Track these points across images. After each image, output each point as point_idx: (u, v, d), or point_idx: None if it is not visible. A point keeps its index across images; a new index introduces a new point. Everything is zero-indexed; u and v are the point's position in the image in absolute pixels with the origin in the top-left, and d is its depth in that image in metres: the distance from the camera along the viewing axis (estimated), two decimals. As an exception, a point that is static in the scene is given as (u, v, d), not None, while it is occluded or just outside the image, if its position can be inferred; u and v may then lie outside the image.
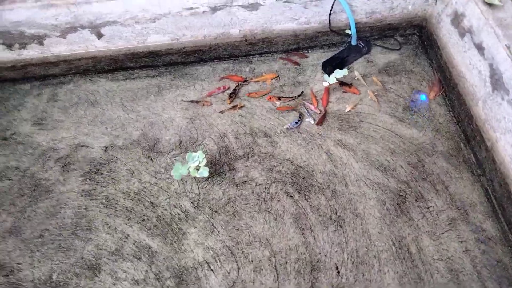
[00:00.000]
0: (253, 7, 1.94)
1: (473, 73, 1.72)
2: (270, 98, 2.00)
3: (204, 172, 1.66)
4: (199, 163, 1.66)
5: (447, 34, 1.91)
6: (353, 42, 2.08)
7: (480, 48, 1.67)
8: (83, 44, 2.04)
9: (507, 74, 1.51)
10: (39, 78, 2.19)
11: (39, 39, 1.96)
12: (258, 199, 1.74)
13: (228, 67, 2.20)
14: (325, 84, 1.98)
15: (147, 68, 2.22)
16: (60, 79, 2.19)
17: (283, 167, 1.82)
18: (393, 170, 1.76)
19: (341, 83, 2.03)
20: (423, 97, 1.95)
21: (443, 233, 1.56)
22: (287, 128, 1.92)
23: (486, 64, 1.63)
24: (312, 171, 1.80)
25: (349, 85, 2.00)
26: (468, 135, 1.77)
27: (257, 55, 2.22)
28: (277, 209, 1.71)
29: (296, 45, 2.19)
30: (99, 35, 2.00)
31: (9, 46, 1.97)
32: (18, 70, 2.10)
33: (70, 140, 1.98)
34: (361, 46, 2.08)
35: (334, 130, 1.91)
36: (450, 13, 1.89)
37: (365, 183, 1.74)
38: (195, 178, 1.80)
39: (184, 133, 1.97)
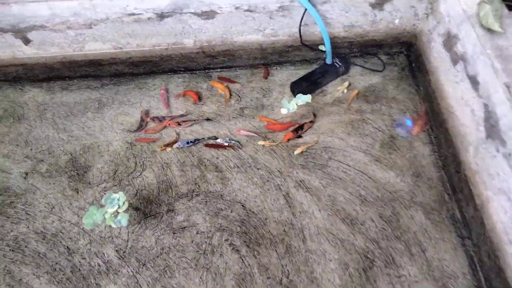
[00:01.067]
0: (208, 15, 1.62)
1: (465, 111, 1.41)
2: (169, 124, 1.70)
3: (123, 220, 1.35)
4: (118, 207, 1.35)
5: (438, 57, 1.59)
6: (328, 61, 1.76)
7: (474, 81, 1.36)
8: (8, 50, 1.72)
9: (505, 120, 1.19)
10: (-43, 85, 1.88)
11: (-49, 41, 1.64)
12: (197, 252, 1.44)
13: (183, 81, 1.88)
14: (284, 111, 1.66)
15: (89, 78, 1.90)
16: (-16, 87, 1.88)
17: (231, 211, 1.52)
18: (361, 224, 1.45)
19: (296, 129, 1.66)
20: (408, 121, 1.65)
21: (413, 317, 1.26)
22: (177, 148, 1.66)
23: (481, 103, 1.32)
24: (266, 218, 1.49)
25: (301, 128, 1.66)
26: (455, 185, 1.46)
27: (218, 69, 1.90)
28: (218, 266, 1.41)
29: (263, 60, 1.87)
30: (27, 41, 1.68)
31: None
32: None
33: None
34: (338, 66, 1.76)
35: (298, 167, 1.60)
36: (442, 32, 1.57)
37: (327, 238, 1.43)
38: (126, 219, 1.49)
39: (121, 161, 1.66)
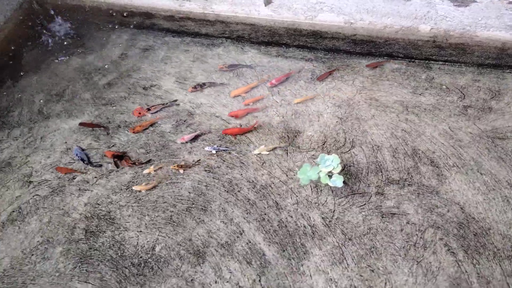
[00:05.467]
0: (462, 2, 1.52)
1: None
2: (140, 113, 1.72)
3: (338, 181, 1.34)
4: (333, 168, 1.34)
5: None
6: None
7: None
8: (247, 8, 1.84)
9: None
10: (191, 34, 2.07)
11: (205, -7, 1.81)
12: (407, 242, 1.37)
13: (400, 68, 1.81)
14: None
15: (304, 49, 1.95)
16: (211, 40, 2.05)
17: (448, 211, 1.41)
18: None
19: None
20: None
21: None
22: (207, 150, 1.67)
23: None
24: (489, 229, 1.35)
25: None
26: None
27: (440, 62, 1.79)
28: (430, 262, 1.32)
29: (495, 61, 1.71)
30: (268, 1, 1.77)
31: (174, -5, 1.86)
32: (175, 22, 2.00)
33: (207, 107, 1.83)
34: None
35: (532, 183, 1.42)
36: None
37: None
38: (332, 190, 1.49)
39: (331, 134, 1.66)
